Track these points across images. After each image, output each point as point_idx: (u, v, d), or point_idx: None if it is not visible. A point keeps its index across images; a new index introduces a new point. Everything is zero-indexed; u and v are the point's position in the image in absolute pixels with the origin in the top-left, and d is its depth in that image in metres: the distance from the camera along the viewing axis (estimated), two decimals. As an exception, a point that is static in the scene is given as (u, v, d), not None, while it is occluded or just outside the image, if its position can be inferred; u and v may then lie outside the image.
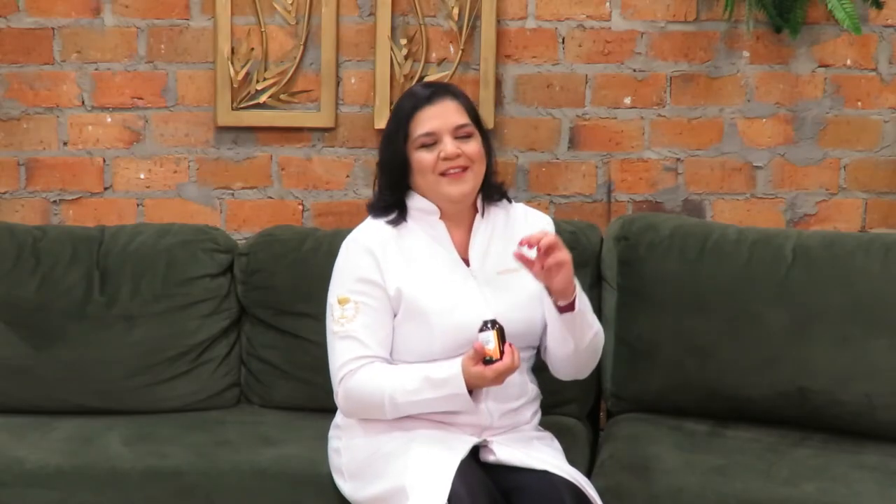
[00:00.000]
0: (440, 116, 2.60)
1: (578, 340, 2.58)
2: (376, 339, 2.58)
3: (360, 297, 2.59)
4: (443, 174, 2.59)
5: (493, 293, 2.61)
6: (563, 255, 2.46)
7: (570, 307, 2.53)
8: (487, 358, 2.46)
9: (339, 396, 2.60)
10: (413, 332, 2.59)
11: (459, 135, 2.60)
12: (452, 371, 2.49)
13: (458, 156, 2.58)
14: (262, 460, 2.78)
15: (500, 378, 2.47)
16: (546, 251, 2.44)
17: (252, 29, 3.38)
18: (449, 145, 2.58)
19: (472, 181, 2.61)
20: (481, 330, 2.47)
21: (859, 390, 2.85)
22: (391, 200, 2.65)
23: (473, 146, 2.61)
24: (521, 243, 2.45)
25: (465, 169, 2.59)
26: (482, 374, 2.46)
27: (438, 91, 2.63)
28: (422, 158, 2.59)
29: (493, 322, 2.46)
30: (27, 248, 3.11)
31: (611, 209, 3.44)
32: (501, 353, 2.46)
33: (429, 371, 2.52)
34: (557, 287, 2.50)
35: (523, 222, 2.73)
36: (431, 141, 2.59)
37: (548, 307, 2.55)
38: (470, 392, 2.49)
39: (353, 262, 2.62)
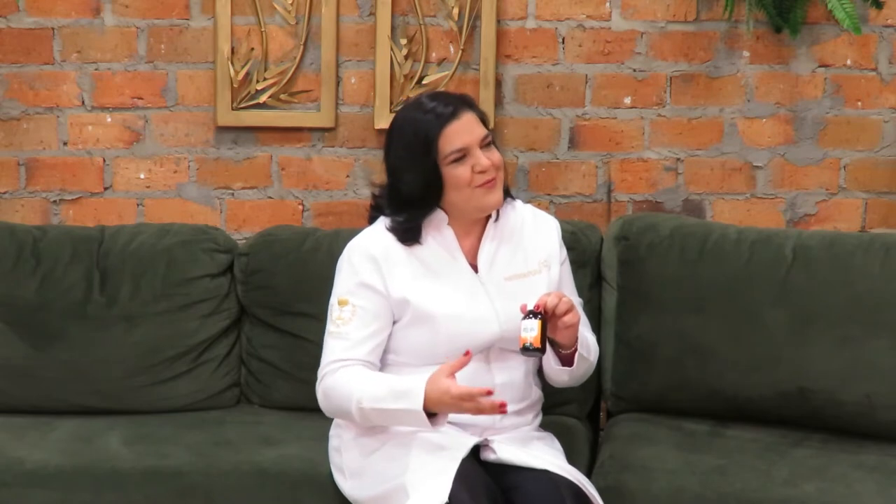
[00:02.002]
0: (468, 130, 2.58)
1: (573, 373, 2.66)
2: (367, 345, 2.58)
3: (359, 300, 2.59)
4: (480, 186, 2.58)
5: (501, 299, 2.62)
6: (574, 317, 2.53)
7: (569, 357, 2.62)
8: (527, 345, 2.45)
9: (319, 394, 2.60)
10: (419, 337, 2.59)
11: (484, 145, 2.60)
12: (415, 383, 2.44)
13: (491, 166, 2.58)
14: (262, 460, 2.78)
15: (462, 402, 2.39)
16: (560, 315, 2.50)
17: (252, 29, 3.38)
18: (482, 158, 2.57)
19: (501, 188, 2.62)
20: (525, 317, 2.47)
21: (859, 390, 2.85)
22: (416, 222, 2.62)
23: (497, 154, 2.62)
24: (536, 307, 2.48)
25: (494, 178, 2.60)
26: (447, 390, 2.40)
27: (459, 104, 2.60)
28: (458, 174, 2.57)
29: (539, 312, 2.46)
30: (27, 248, 3.11)
31: (611, 209, 3.45)
32: (543, 344, 2.46)
33: (396, 380, 2.51)
34: (562, 342, 2.59)
35: (532, 225, 2.73)
36: (462, 155, 2.57)
37: (549, 352, 2.60)
38: (434, 415, 2.44)
39: (356, 265, 2.62)
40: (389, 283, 2.59)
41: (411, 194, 2.60)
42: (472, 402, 2.39)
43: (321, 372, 2.59)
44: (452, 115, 2.58)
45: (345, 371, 2.55)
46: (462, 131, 2.57)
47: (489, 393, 2.40)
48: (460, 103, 2.62)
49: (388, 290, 2.59)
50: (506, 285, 2.64)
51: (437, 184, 2.58)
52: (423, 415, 2.43)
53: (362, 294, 2.59)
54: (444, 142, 2.57)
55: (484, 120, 2.65)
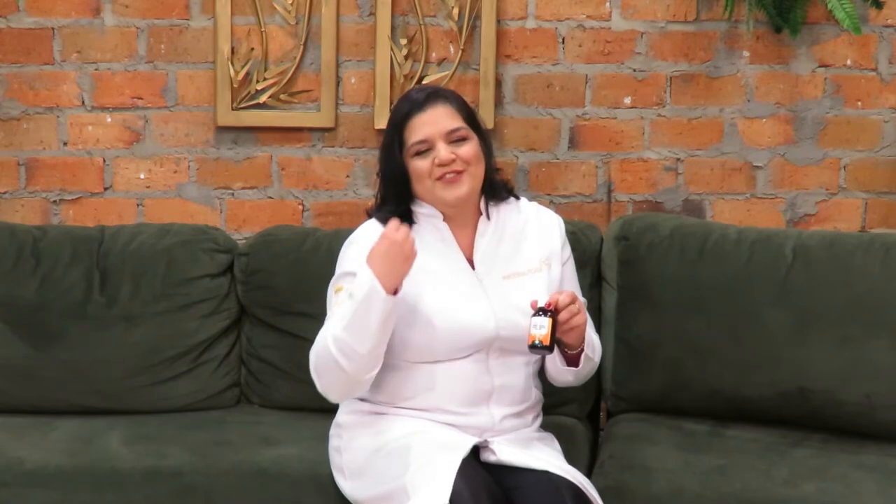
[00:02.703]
0: (432, 123, 2.59)
1: (578, 374, 2.66)
2: None
3: (353, 285, 2.58)
4: (439, 179, 2.58)
5: (499, 297, 2.61)
6: (582, 318, 2.53)
7: (575, 358, 2.62)
8: (536, 342, 2.45)
9: (314, 379, 2.54)
10: (417, 335, 2.57)
11: (453, 139, 2.59)
12: (361, 269, 2.45)
13: (453, 160, 2.58)
14: (262, 460, 2.78)
15: (382, 242, 2.43)
16: (570, 317, 2.50)
17: (252, 29, 3.38)
18: (442, 151, 2.57)
19: (468, 183, 2.60)
20: (535, 314, 2.46)
21: (859, 390, 2.85)
22: (398, 211, 2.63)
23: (468, 148, 2.60)
24: (548, 304, 2.47)
25: (460, 172, 2.59)
26: (389, 243, 2.43)
27: (430, 97, 2.62)
28: (417, 166, 2.59)
29: (550, 309, 2.46)
30: (27, 248, 3.11)
31: (611, 209, 3.45)
32: (552, 342, 2.46)
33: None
34: (569, 342, 2.58)
35: (535, 222, 2.73)
36: (425, 148, 2.58)
37: (555, 351, 2.59)
38: (395, 292, 2.43)
39: (352, 255, 2.62)
40: None
41: (387, 185, 2.64)
42: (386, 240, 2.43)
43: (311, 353, 2.55)
44: (419, 108, 2.60)
45: (319, 337, 2.51)
46: (425, 123, 2.59)
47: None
48: (433, 95, 2.63)
49: None
50: (503, 284, 2.63)
51: (404, 176, 2.60)
52: (377, 283, 2.40)
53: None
54: (407, 133, 2.59)
55: (467, 114, 2.64)
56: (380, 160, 2.68)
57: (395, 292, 2.44)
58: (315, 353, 2.51)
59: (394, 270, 2.44)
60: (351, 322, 2.44)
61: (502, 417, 2.62)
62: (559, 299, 2.49)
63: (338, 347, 2.45)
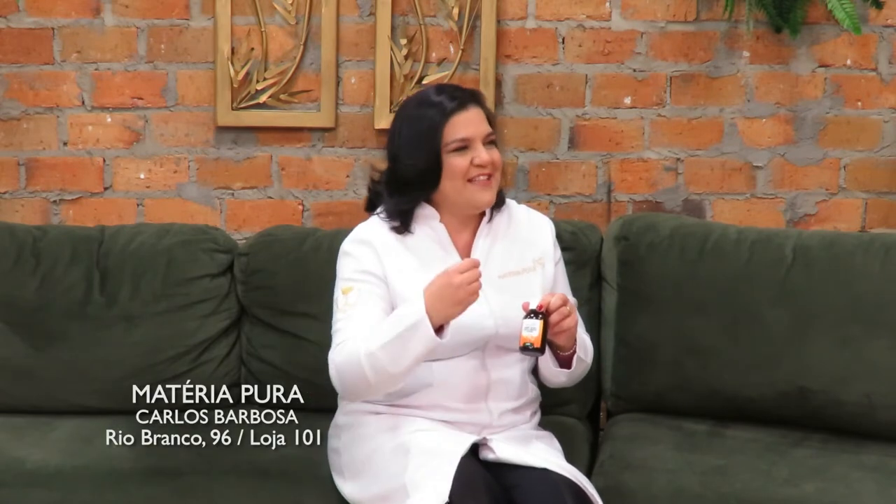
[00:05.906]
0: (475, 123, 2.61)
1: (570, 375, 2.67)
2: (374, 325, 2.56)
3: (363, 285, 2.59)
4: (470, 180, 2.60)
5: (495, 295, 2.62)
6: (573, 321, 2.54)
7: (567, 359, 2.63)
8: (528, 345, 2.45)
9: (333, 378, 2.55)
10: None
11: (487, 141, 2.62)
12: (413, 299, 2.46)
13: (490, 163, 2.60)
14: (262, 460, 2.78)
15: (455, 276, 2.41)
16: (560, 320, 2.50)
17: (252, 29, 3.38)
18: (483, 153, 2.59)
19: (495, 188, 2.64)
20: (527, 316, 2.47)
21: (859, 390, 2.85)
22: (412, 206, 2.63)
23: (497, 155, 2.63)
24: (539, 307, 2.48)
25: (491, 176, 2.61)
26: (442, 274, 2.43)
27: (467, 97, 2.63)
28: (455, 163, 2.59)
29: (541, 312, 2.46)
30: (27, 248, 3.11)
31: (611, 209, 3.45)
32: (544, 345, 2.46)
33: (395, 311, 2.51)
34: (561, 344, 2.59)
35: (526, 224, 2.74)
36: (464, 146, 2.59)
37: (547, 353, 2.60)
38: (441, 330, 2.44)
39: (354, 254, 2.63)
40: (387, 268, 2.60)
41: (410, 177, 2.61)
42: (464, 274, 2.41)
43: (330, 356, 2.55)
44: (461, 106, 2.60)
45: (350, 342, 2.52)
46: (468, 122, 2.60)
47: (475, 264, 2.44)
48: (469, 96, 2.64)
49: (385, 275, 2.59)
50: (500, 282, 2.64)
51: (437, 170, 2.59)
52: (426, 319, 2.40)
53: (365, 279, 2.59)
54: (448, 130, 2.59)
55: (491, 119, 2.67)
56: (400, 153, 2.63)
57: (441, 330, 2.44)
58: (343, 358, 2.51)
59: (445, 310, 2.43)
60: (390, 344, 2.44)
61: (501, 413, 2.62)
62: (550, 301, 2.49)
63: (370, 363, 2.46)
